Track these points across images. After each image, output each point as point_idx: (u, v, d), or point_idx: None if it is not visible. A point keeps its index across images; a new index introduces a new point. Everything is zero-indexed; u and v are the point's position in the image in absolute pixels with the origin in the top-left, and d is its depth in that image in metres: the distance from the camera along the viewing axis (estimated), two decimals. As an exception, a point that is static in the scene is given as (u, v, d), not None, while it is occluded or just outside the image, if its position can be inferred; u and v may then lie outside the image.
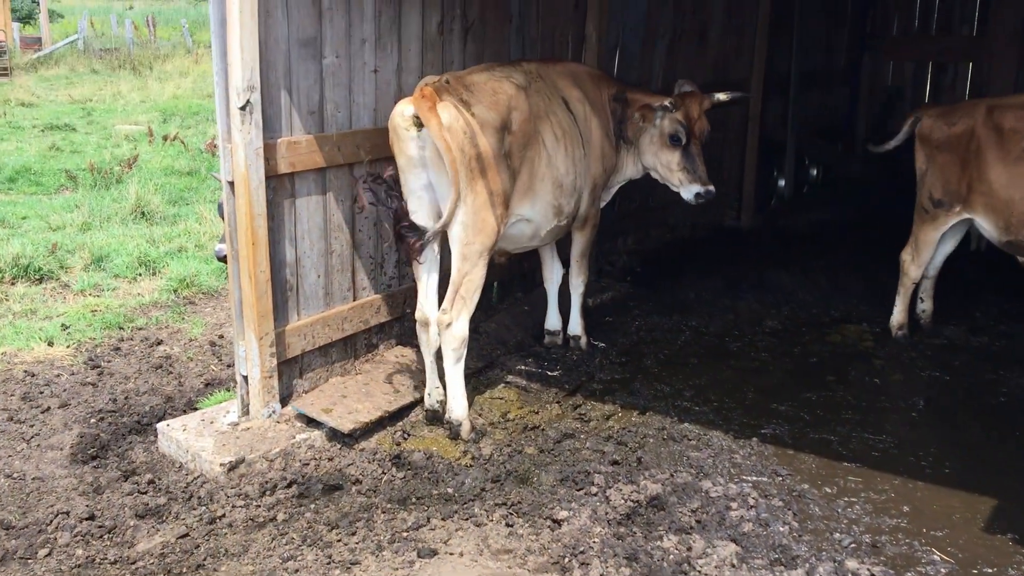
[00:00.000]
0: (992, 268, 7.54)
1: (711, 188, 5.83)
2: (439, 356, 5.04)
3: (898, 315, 6.48)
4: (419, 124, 4.61)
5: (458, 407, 4.94)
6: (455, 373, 4.90)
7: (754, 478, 4.54)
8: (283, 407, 5.02)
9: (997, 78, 10.79)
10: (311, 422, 4.94)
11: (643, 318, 6.88)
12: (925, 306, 6.62)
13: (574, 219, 5.64)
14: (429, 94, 4.59)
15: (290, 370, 5.13)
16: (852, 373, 5.93)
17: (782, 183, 9.92)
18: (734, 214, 9.58)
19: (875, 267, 7.91)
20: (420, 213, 4.81)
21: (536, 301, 6.75)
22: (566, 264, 6.15)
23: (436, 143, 4.55)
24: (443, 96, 4.63)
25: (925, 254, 6.26)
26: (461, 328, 4.84)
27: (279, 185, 4.87)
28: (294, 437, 4.82)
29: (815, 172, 10.48)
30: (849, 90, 11.39)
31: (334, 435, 4.89)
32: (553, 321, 6.23)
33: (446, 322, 4.81)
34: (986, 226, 5.87)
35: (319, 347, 5.26)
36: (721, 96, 6.02)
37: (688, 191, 5.84)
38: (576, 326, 6.18)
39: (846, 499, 4.40)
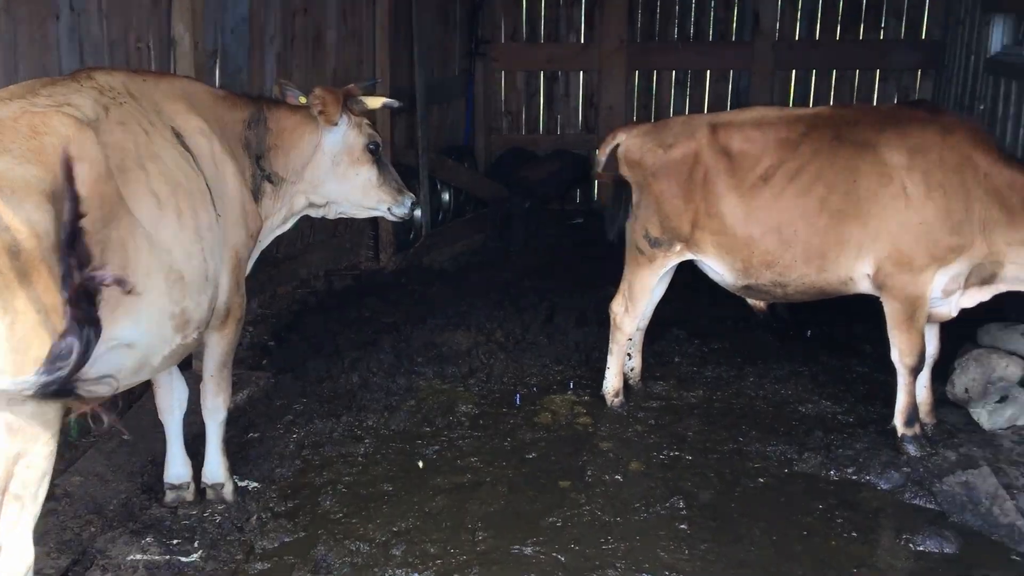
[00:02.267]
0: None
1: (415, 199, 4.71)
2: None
3: (612, 380, 5.35)
4: None
5: None
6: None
7: None
8: None
9: (606, 88, 10.46)
10: None
11: (301, 425, 5.04)
12: (633, 363, 5.59)
13: (208, 325, 3.65)
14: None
15: None
16: (587, 471, 4.64)
17: (419, 213, 8.52)
18: (371, 255, 8.01)
19: (552, 308, 6.83)
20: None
21: (142, 425, 4.63)
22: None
23: None
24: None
25: (641, 303, 5.20)
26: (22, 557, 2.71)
27: None
28: None
29: (447, 197, 9.26)
30: (466, 103, 10.36)
31: None
32: (178, 469, 4.14)
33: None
34: (719, 268, 4.93)
35: None
36: (373, 101, 4.51)
37: (400, 206, 4.50)
38: (216, 469, 4.15)
39: None
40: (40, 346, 2.57)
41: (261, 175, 4.13)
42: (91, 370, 2.73)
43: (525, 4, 10.53)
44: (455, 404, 5.35)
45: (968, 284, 4.53)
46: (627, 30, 10.36)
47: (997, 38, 7.80)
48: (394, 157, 8.03)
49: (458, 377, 5.72)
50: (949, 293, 4.55)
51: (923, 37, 9.98)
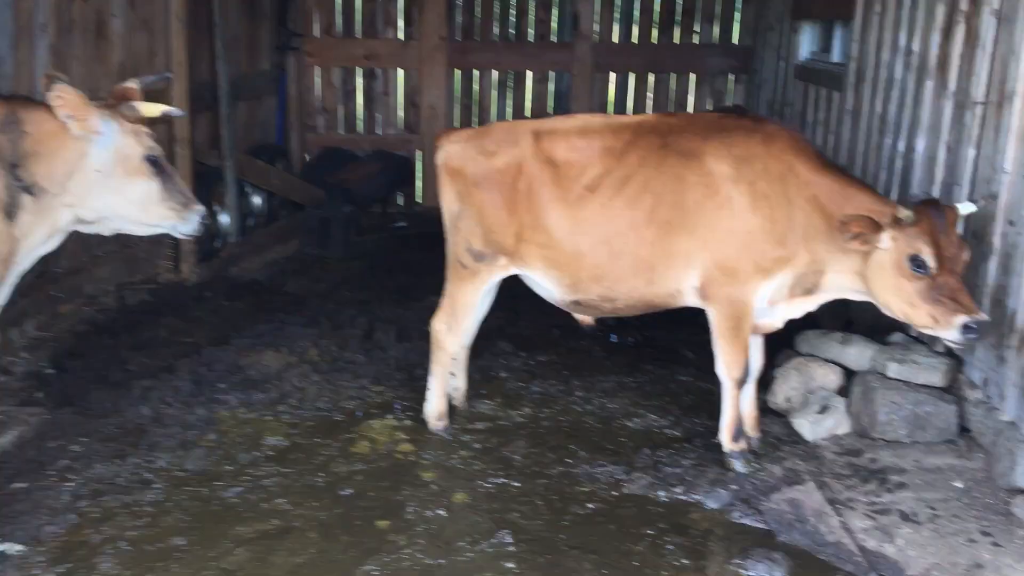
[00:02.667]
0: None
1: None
2: None
3: (436, 402, 5.01)
4: None
5: None
6: None
7: None
8: None
9: (427, 87, 10.12)
10: None
11: (79, 470, 4.41)
12: (458, 382, 5.26)
13: None
14: None
15: None
16: (408, 507, 4.28)
17: (225, 219, 7.89)
18: (171, 265, 7.30)
19: (372, 322, 6.41)
20: None
21: None
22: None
23: None
24: None
25: (465, 320, 4.88)
26: None
27: None
28: None
29: (260, 201, 8.64)
30: (277, 100, 9.73)
31: None
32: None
33: None
34: (546, 283, 4.67)
35: None
36: (149, 108, 3.87)
37: (187, 223, 3.87)
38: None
39: None
40: None
41: (18, 186, 3.52)
42: None
43: (340, -3, 10.04)
44: (262, 436, 4.85)
45: (792, 294, 4.47)
46: (447, 27, 10.04)
47: (805, 45, 8.01)
48: (196, 157, 7.40)
49: (266, 404, 5.21)
50: (774, 303, 4.49)
51: (735, 42, 10.19)
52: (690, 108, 10.29)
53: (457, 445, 4.89)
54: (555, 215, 4.51)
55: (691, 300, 4.56)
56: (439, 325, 4.92)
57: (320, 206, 8.84)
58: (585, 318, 4.98)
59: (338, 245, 8.58)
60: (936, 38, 4.99)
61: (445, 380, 5.02)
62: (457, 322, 4.87)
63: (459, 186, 4.68)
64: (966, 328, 3.87)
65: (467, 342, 5.08)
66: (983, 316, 3.93)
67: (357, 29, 10.17)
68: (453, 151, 4.71)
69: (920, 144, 5.14)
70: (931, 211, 4.03)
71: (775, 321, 4.57)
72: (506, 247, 4.63)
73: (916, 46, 5.28)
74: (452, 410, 5.17)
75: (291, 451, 4.76)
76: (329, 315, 6.61)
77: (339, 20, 10.12)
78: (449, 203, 4.75)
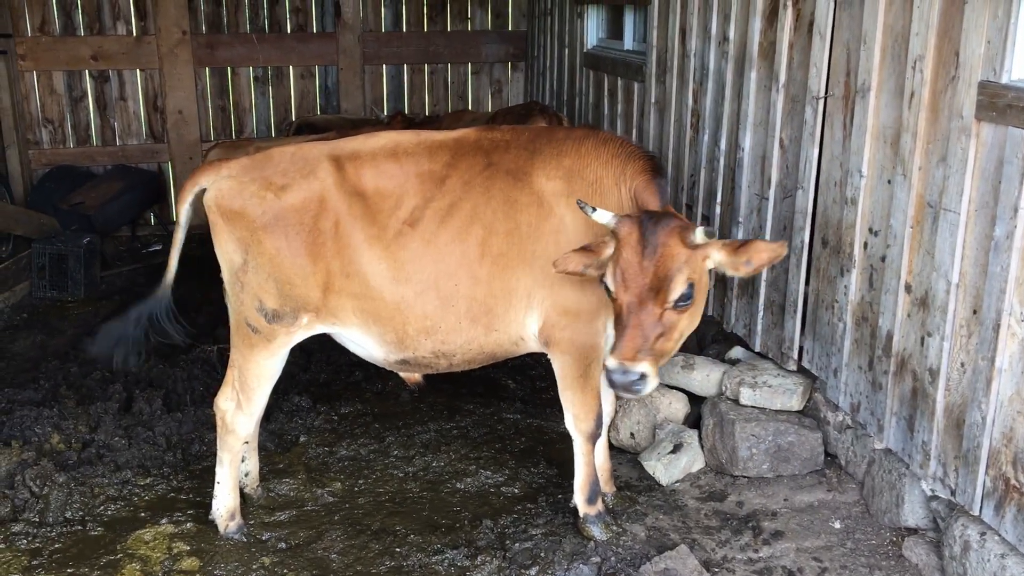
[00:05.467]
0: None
1: None
2: None
3: (226, 499, 4.00)
4: None
5: None
6: None
7: None
8: None
9: (172, 89, 8.83)
10: None
11: None
12: (249, 465, 4.29)
13: None
14: None
15: None
16: (202, 656, 3.31)
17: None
18: None
19: (130, 387, 5.25)
20: None
21: None
22: None
23: None
24: None
25: (259, 395, 3.90)
26: None
27: None
28: None
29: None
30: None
31: None
32: None
33: None
34: (365, 342, 3.79)
35: None
36: None
37: None
38: None
39: None
40: None
41: None
42: None
43: (54, -12, 8.49)
44: (-14, 576, 3.67)
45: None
46: (190, 21, 8.75)
47: (592, 31, 7.51)
48: None
49: (-5, 527, 4.00)
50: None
51: (509, 28, 9.61)
52: (472, 102, 9.61)
53: (257, 550, 3.92)
54: (370, 257, 3.64)
55: (534, 345, 3.85)
56: (225, 404, 3.92)
57: (52, 238, 7.39)
58: (412, 376, 4.15)
59: (78, 285, 7.20)
60: (757, 24, 4.54)
61: (237, 470, 4.03)
62: (249, 399, 3.89)
63: (240, 232, 3.67)
64: (609, 374, 3.19)
65: (259, 417, 4.10)
66: (630, 367, 3.13)
67: (80, 26, 8.65)
68: (226, 189, 3.69)
69: (747, 141, 4.69)
70: (638, 222, 3.30)
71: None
72: (310, 302, 3.70)
73: (731, 33, 4.83)
74: (245, 501, 4.19)
75: (29, 593, 3.62)
76: (72, 383, 5.38)
77: (56, 16, 8.55)
78: (228, 253, 3.73)
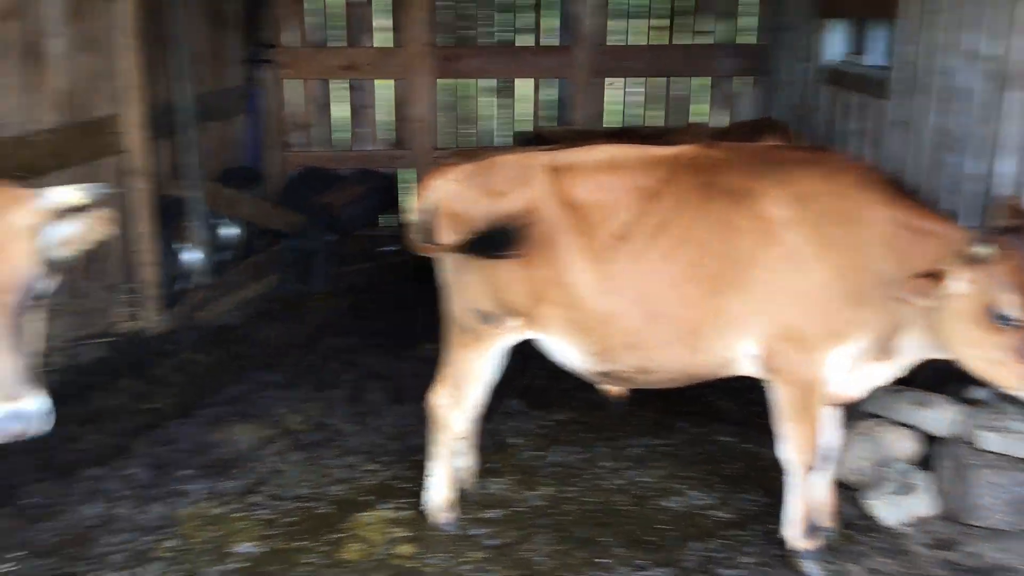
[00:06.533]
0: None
1: (17, 410, 2.44)
2: None
3: (439, 492, 4.19)
4: None
5: None
6: None
7: None
8: None
9: (414, 98, 9.30)
10: None
11: (4, 603, 3.58)
12: (467, 460, 4.45)
13: None
14: None
15: None
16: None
17: (194, 256, 7.02)
18: (129, 312, 6.45)
19: (361, 378, 5.61)
20: None
21: None
22: None
23: None
24: None
25: (472, 393, 4.06)
26: None
27: None
28: None
29: (236, 232, 7.74)
30: (249, 117, 8.87)
31: None
32: None
33: None
34: (569, 351, 3.86)
35: None
36: (67, 197, 2.69)
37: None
38: None
39: None
40: None
41: None
42: None
43: (315, 3, 9.17)
44: (231, 541, 4.03)
45: (869, 358, 3.67)
46: (432, 33, 9.20)
47: (834, 46, 7.21)
48: (160, 190, 6.55)
49: (237, 495, 4.38)
50: (852, 371, 3.68)
51: (747, 42, 9.39)
52: (704, 117, 9.48)
53: (466, 544, 4.07)
54: (579, 268, 3.70)
55: (747, 369, 3.76)
56: (439, 400, 4.10)
57: (300, 234, 7.99)
58: (616, 389, 4.17)
59: (320, 280, 7.75)
60: (1021, 41, 4.19)
61: (449, 464, 4.20)
62: (461, 397, 4.05)
63: (461, 233, 3.85)
64: None
65: (476, 415, 4.26)
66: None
67: (335, 37, 9.32)
68: (452, 191, 3.89)
69: (1004, 166, 4.34)
70: (1019, 242, 3.25)
71: (855, 391, 3.77)
72: (520, 307, 3.82)
73: (989, 49, 4.49)
74: (461, 495, 4.35)
75: (266, 560, 3.92)
76: (312, 370, 5.80)
77: (315, 28, 9.26)
78: (449, 255, 3.93)
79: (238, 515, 4.22)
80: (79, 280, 5.91)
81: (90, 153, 5.73)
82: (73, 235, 2.73)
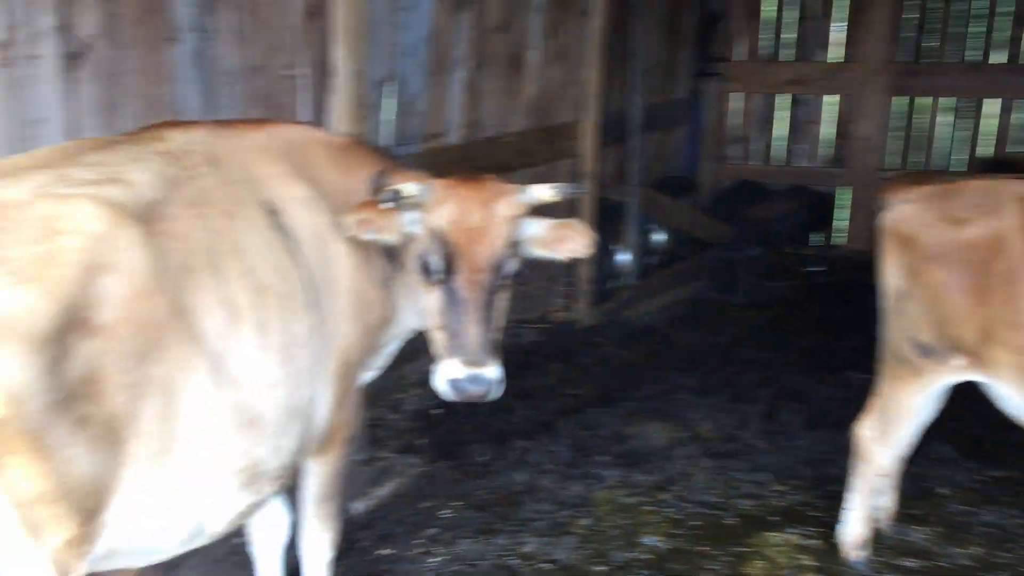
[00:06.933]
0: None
1: (479, 374, 2.78)
2: None
3: (855, 527, 3.99)
4: None
5: None
6: None
7: None
8: None
9: (861, 115, 8.89)
10: None
11: (445, 542, 4.07)
12: (885, 500, 4.20)
13: (298, 460, 2.74)
14: None
15: None
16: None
17: (625, 257, 7.41)
18: (565, 303, 6.98)
19: (777, 395, 5.53)
20: None
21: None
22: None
23: None
24: None
25: (901, 429, 3.82)
26: None
27: None
28: None
29: (663, 238, 8.06)
30: (690, 128, 9.11)
31: None
32: (270, 616, 3.27)
33: None
34: (1018, 397, 3.50)
35: None
36: (541, 193, 2.96)
37: (440, 371, 2.85)
38: (316, 622, 3.24)
39: None
40: (13, 559, 1.80)
41: (391, 256, 3.15)
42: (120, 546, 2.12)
43: (769, 17, 9.16)
44: (639, 531, 4.20)
45: None
46: (891, 48, 8.72)
47: None
48: (601, 192, 6.99)
49: (648, 488, 4.56)
50: None
51: None
52: None
53: (878, 586, 3.85)
54: (1044, 311, 3.31)
55: None
56: (865, 432, 3.91)
57: (726, 245, 8.06)
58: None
59: (743, 291, 7.75)
60: None
61: (867, 499, 3.99)
62: (890, 430, 3.82)
63: (909, 258, 3.63)
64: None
65: (902, 454, 4.00)
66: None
67: (784, 52, 9.22)
68: (906, 213, 3.67)
69: None
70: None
71: None
72: (965, 345, 3.51)
73: None
74: (876, 535, 4.12)
75: (671, 557, 4.04)
76: (726, 380, 5.83)
77: (767, 43, 9.25)
78: (892, 278, 3.72)
79: (648, 508, 4.39)
80: (524, 268, 6.51)
81: (551, 155, 6.28)
82: (544, 236, 3.01)
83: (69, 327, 1.89)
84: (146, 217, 2.18)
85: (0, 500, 1.81)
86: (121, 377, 2.01)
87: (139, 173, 2.27)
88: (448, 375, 2.80)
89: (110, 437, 1.99)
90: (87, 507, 1.95)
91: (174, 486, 2.19)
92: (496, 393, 2.88)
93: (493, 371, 2.82)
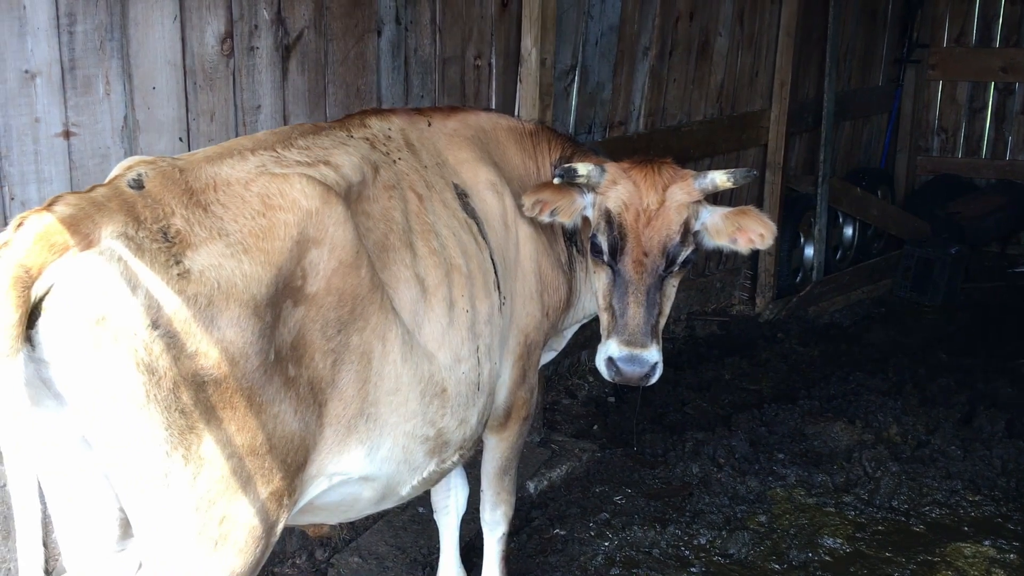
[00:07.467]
0: None
1: (638, 354, 2.80)
2: None
3: (1058, 545, 3.74)
4: (26, 307, 1.79)
5: None
6: None
7: None
8: None
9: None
10: None
11: (617, 528, 4.10)
12: (1095, 519, 3.89)
13: (480, 433, 2.85)
14: (53, 228, 1.81)
15: None
16: None
17: (810, 251, 7.17)
18: (745, 298, 6.84)
19: (973, 402, 5.22)
20: (69, 519, 2.10)
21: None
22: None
23: (69, 363, 1.81)
24: (104, 228, 1.87)
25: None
26: None
27: None
28: None
29: (851, 232, 7.73)
30: (888, 118, 8.67)
31: None
32: (450, 581, 3.41)
33: None
34: None
35: None
36: (717, 179, 2.92)
37: (600, 350, 2.93)
38: (492, 591, 3.36)
39: None
40: (228, 503, 1.98)
41: (571, 240, 3.20)
42: (320, 501, 2.35)
43: (979, 1, 8.58)
44: (819, 532, 4.08)
45: None
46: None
47: None
48: (788, 183, 6.79)
49: (829, 490, 4.41)
50: None
51: None
52: None
53: (1087, 613, 3.58)
54: None
55: None
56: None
57: (922, 242, 7.63)
58: None
59: (939, 291, 7.32)
60: None
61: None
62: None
63: None
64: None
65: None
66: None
67: (996, 38, 8.61)
68: None
69: None
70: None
71: None
72: None
73: None
74: (1081, 555, 3.83)
75: (852, 560, 3.90)
76: (918, 383, 5.53)
77: (975, 28, 8.66)
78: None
79: (828, 509, 4.25)
80: (704, 260, 6.44)
81: (736, 144, 6.16)
82: (722, 225, 2.97)
83: (282, 295, 2.05)
84: (350, 197, 2.32)
85: (212, 456, 1.98)
86: (325, 343, 2.15)
87: (344, 156, 2.42)
88: (607, 354, 2.83)
89: (313, 398, 2.14)
90: (292, 462, 2.11)
91: (370, 447, 2.33)
92: (655, 377, 2.87)
93: (652, 353, 2.82)
